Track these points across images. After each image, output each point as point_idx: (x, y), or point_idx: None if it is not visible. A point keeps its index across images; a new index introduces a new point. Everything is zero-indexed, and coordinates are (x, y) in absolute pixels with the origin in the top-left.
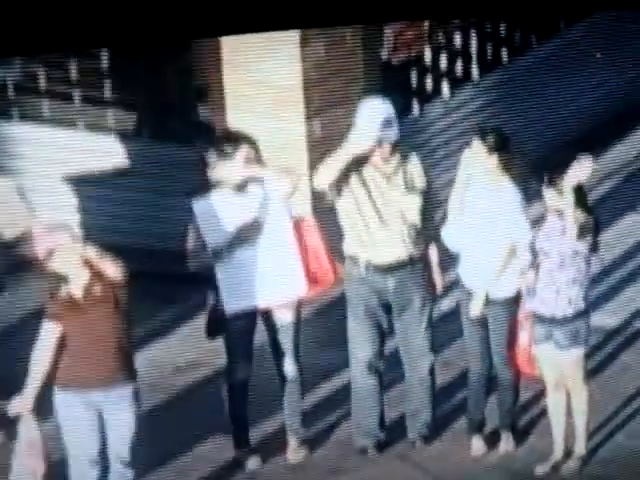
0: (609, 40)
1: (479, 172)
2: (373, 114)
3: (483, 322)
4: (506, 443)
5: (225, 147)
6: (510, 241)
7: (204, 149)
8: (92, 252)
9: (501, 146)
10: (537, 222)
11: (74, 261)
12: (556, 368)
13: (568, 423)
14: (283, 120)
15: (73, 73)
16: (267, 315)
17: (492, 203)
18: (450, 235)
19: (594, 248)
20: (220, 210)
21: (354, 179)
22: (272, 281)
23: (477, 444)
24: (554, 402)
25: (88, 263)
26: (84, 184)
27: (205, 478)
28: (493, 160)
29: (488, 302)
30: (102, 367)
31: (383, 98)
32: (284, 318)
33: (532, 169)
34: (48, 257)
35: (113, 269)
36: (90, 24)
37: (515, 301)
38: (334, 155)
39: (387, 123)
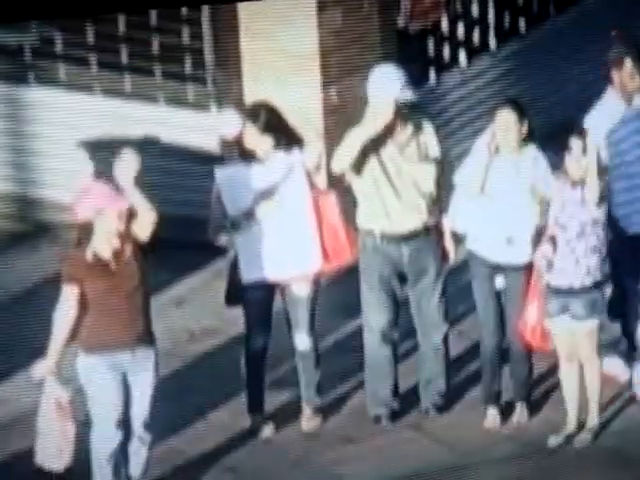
0: (625, 11)
1: (508, 142)
2: (387, 81)
3: (498, 295)
4: (520, 414)
5: (247, 115)
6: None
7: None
8: (137, 195)
9: (526, 115)
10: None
11: (116, 221)
12: (570, 340)
13: (581, 395)
14: (300, 87)
15: (90, 38)
16: (283, 287)
17: (519, 171)
18: (465, 212)
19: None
20: (242, 179)
21: (371, 158)
22: (288, 254)
23: (492, 415)
24: (567, 374)
25: (123, 218)
26: (100, 149)
27: (220, 444)
28: (524, 128)
29: (506, 269)
30: (129, 327)
31: (392, 64)
32: (300, 291)
33: (548, 141)
34: (93, 216)
35: (147, 213)
36: None
37: (529, 269)
38: (351, 136)
39: (400, 89)
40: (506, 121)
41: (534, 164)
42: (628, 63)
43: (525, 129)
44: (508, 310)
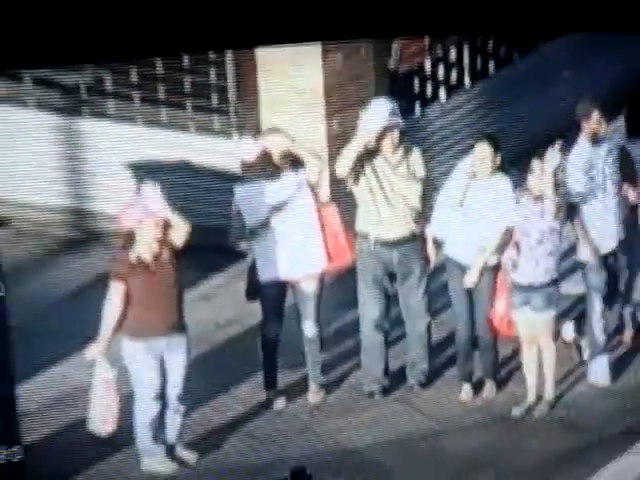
0: (576, 56)
1: (484, 169)
2: (378, 108)
3: (469, 292)
4: (489, 390)
5: (261, 139)
6: (507, 223)
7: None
8: (169, 211)
9: (500, 148)
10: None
11: (154, 230)
12: (531, 328)
13: (539, 374)
14: (307, 118)
15: (133, 78)
16: (294, 284)
17: (490, 194)
18: (445, 223)
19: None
20: (257, 195)
21: (367, 168)
22: (297, 257)
23: (466, 390)
24: (528, 356)
25: (160, 228)
26: (142, 170)
27: (240, 414)
28: (497, 159)
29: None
30: (166, 317)
31: (387, 98)
32: (308, 288)
33: (514, 163)
34: (135, 226)
35: (182, 225)
36: (145, 39)
37: (496, 269)
38: (350, 144)
39: (391, 114)
40: (483, 152)
41: (503, 193)
42: (595, 115)
43: (498, 160)
44: (478, 304)
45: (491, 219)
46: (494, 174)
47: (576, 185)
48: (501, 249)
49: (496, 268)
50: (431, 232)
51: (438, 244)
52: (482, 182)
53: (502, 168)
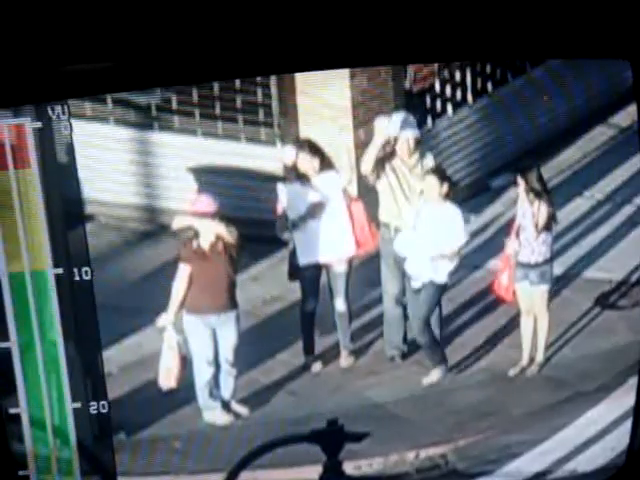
0: (560, 78)
1: (432, 197)
2: (393, 117)
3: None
4: None
5: (300, 148)
6: (453, 246)
7: (285, 149)
8: (219, 227)
9: (446, 177)
10: (514, 204)
11: (210, 226)
12: (529, 299)
13: (532, 340)
14: (338, 129)
15: (194, 97)
16: (327, 267)
17: (439, 222)
18: (403, 243)
19: (554, 220)
20: (297, 194)
21: (388, 169)
22: (331, 244)
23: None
24: (525, 324)
25: (215, 228)
26: (202, 173)
27: (284, 376)
28: (444, 188)
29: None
30: (216, 298)
31: (403, 112)
32: (339, 269)
33: (510, 165)
34: (197, 219)
35: (228, 232)
36: (205, 67)
37: (443, 287)
38: (370, 145)
39: (406, 124)
40: (430, 183)
41: (450, 221)
42: None
43: (445, 190)
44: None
45: (440, 243)
46: (443, 203)
47: None
48: (453, 268)
49: (444, 287)
50: None
51: None
52: (431, 210)
53: (450, 197)
